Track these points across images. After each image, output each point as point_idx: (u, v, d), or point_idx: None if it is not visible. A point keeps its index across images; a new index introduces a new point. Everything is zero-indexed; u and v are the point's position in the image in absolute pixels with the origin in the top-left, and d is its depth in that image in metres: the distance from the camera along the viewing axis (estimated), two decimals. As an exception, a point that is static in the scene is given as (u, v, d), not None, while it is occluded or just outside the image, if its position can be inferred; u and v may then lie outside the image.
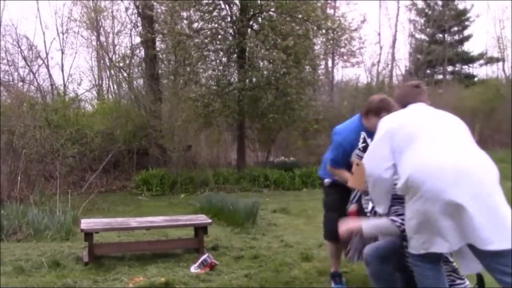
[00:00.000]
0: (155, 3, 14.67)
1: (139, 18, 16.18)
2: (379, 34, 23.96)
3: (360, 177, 3.49)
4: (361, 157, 3.47)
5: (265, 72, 14.16)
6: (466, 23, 26.28)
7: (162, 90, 15.07)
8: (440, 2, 25.16)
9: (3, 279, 4.62)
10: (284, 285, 4.52)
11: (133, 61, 16.36)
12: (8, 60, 16.26)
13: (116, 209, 9.77)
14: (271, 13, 14.19)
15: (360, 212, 3.73)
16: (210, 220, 5.96)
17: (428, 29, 25.84)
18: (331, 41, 15.32)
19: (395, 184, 3.10)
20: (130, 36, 17.64)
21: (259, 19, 14.46)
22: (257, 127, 15.61)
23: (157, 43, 15.56)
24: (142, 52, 16.09)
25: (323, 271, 4.83)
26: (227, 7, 14.28)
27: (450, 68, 27.06)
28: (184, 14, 14.62)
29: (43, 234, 6.58)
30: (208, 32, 14.27)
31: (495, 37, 25.06)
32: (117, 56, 17.58)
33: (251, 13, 13.99)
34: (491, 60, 26.16)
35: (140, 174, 12.91)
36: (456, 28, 26.39)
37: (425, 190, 2.80)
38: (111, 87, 19.55)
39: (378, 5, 31.37)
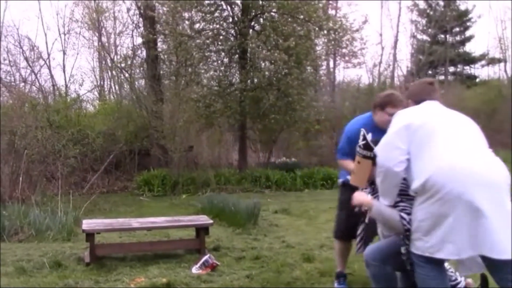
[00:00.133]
0: (156, 4, 14.68)
1: (140, 19, 16.21)
2: (380, 34, 23.96)
3: (362, 175, 3.48)
4: (362, 155, 3.47)
5: (266, 73, 14.16)
6: (468, 23, 26.28)
7: (163, 91, 15.08)
8: (441, 3, 25.15)
9: (5, 280, 4.63)
10: (286, 286, 4.52)
11: (134, 61, 16.38)
12: (10, 61, 16.28)
13: (117, 210, 9.77)
14: (272, 13, 14.19)
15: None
16: (211, 221, 5.96)
17: (429, 30, 25.84)
18: (333, 42, 15.31)
19: (404, 179, 3.11)
20: (132, 36, 17.67)
21: (261, 19, 14.46)
22: (258, 128, 15.61)
23: (159, 44, 15.58)
24: (144, 53, 16.10)
25: (325, 272, 4.83)
26: (229, 8, 14.29)
27: (451, 69, 27.05)
28: (186, 14, 14.64)
29: (44, 235, 6.58)
30: (210, 33, 14.27)
31: (497, 38, 25.03)
32: (118, 57, 17.59)
33: (253, 13, 13.99)
34: (492, 61, 26.13)
35: (142, 175, 12.92)
36: (457, 29, 26.39)
37: (445, 192, 2.81)
38: (113, 87, 19.59)
39: (380, 6, 31.29)
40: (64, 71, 18.25)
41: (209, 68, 14.82)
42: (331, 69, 21.68)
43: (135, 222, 5.99)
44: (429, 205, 2.89)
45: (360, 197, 3.42)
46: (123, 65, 16.22)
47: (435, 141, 2.97)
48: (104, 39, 18.86)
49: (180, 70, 14.47)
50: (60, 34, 18.68)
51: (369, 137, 3.45)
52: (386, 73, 22.89)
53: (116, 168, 14.16)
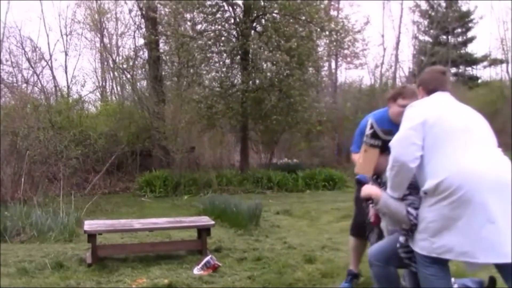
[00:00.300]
0: (158, 5, 14.69)
1: (142, 20, 16.23)
2: (382, 35, 23.96)
3: (368, 163, 3.46)
4: (369, 144, 3.45)
5: (268, 74, 14.15)
6: (470, 24, 26.24)
7: (165, 92, 15.10)
8: (443, 4, 25.13)
9: (7, 280, 4.63)
10: (287, 287, 4.52)
11: (136, 62, 16.39)
12: (12, 62, 16.31)
13: (119, 211, 9.78)
14: (274, 15, 14.19)
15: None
16: (213, 222, 5.97)
17: (431, 31, 25.81)
18: (335, 43, 15.30)
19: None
20: (134, 37, 17.68)
21: (263, 21, 14.46)
22: (260, 129, 15.60)
23: (161, 45, 15.60)
24: (146, 54, 16.10)
25: (326, 273, 4.83)
26: (231, 9, 14.29)
27: (453, 70, 27.00)
28: (188, 16, 14.66)
29: (46, 236, 6.59)
30: (212, 34, 14.28)
31: (499, 39, 24.98)
32: (120, 58, 17.59)
33: (255, 15, 13.99)
34: (494, 62, 26.08)
35: (144, 176, 12.93)
36: (459, 30, 26.35)
37: (459, 196, 2.82)
38: (115, 88, 19.60)
39: (382, 7, 31.31)
40: (66, 72, 18.27)
41: (211, 69, 14.83)
42: (333, 70, 21.68)
43: (136, 223, 5.99)
44: (441, 207, 2.89)
45: (369, 189, 3.42)
46: (125, 66, 16.23)
47: (450, 141, 2.96)
48: (106, 40, 18.89)
49: (182, 71, 14.49)
50: (62, 35, 18.71)
51: (376, 126, 3.45)
52: (388, 74, 22.88)
53: (118, 169, 14.17)
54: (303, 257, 5.50)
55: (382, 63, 22.77)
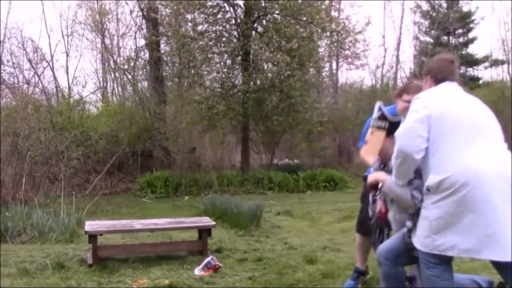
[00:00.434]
0: (159, 6, 14.71)
1: (143, 21, 16.26)
2: (383, 36, 24.02)
3: (374, 146, 3.46)
4: (376, 126, 3.45)
5: (269, 75, 14.17)
6: (471, 25, 26.19)
7: (166, 92, 15.12)
8: (444, 4, 25.12)
9: (8, 281, 4.64)
10: (288, 288, 4.52)
11: (137, 63, 16.42)
12: (13, 63, 16.35)
13: (120, 211, 9.79)
14: (275, 15, 14.20)
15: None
16: (214, 223, 5.97)
17: (432, 31, 25.78)
18: (336, 44, 15.30)
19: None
20: (135, 38, 17.74)
21: (264, 21, 14.47)
22: (261, 130, 15.60)
23: (162, 46, 15.62)
24: (147, 55, 16.14)
25: (327, 273, 4.83)
26: (232, 10, 14.31)
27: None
28: (189, 16, 14.67)
29: (47, 236, 6.59)
30: (213, 35, 14.29)
31: (500, 40, 24.96)
32: (121, 59, 17.63)
33: (256, 15, 14.00)
34: (496, 63, 26.03)
35: (144, 176, 12.93)
36: (460, 31, 26.31)
37: (464, 194, 2.82)
38: (116, 89, 19.62)
39: (383, 7, 31.35)
40: (67, 73, 18.31)
41: (211, 70, 14.84)
42: (334, 71, 21.69)
43: (137, 224, 6.00)
44: (445, 204, 2.89)
45: (376, 174, 3.45)
46: (126, 66, 16.25)
47: (456, 135, 2.95)
48: (107, 41, 18.91)
49: (183, 72, 14.51)
50: (63, 36, 18.75)
51: (383, 108, 3.44)
52: (389, 75, 22.90)
53: (119, 170, 14.18)
54: (304, 257, 5.50)
55: (383, 64, 22.81)
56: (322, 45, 16.35)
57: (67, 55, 18.53)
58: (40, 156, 10.57)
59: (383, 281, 3.40)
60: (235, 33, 14.40)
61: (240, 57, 14.26)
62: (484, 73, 28.27)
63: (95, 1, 18.01)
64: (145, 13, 15.45)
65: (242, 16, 14.01)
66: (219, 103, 14.00)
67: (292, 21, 13.85)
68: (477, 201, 2.82)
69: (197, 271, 4.91)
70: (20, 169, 9.93)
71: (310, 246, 6.18)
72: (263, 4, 13.88)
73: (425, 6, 25.62)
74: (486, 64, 27.07)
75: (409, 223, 3.19)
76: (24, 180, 9.69)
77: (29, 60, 16.65)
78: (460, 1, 24.87)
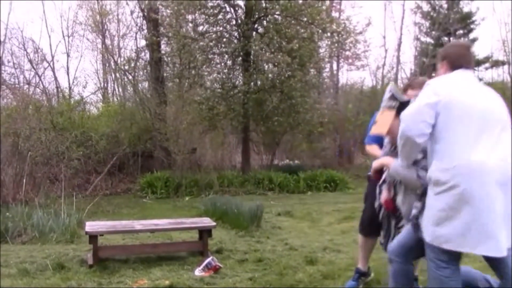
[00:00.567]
0: (160, 6, 14.71)
1: (144, 21, 16.27)
2: (384, 37, 24.08)
3: (384, 124, 3.46)
4: (387, 106, 3.47)
5: (270, 75, 14.16)
6: (472, 26, 26.19)
7: (167, 93, 15.12)
8: (445, 5, 25.11)
9: (8, 281, 4.64)
10: (288, 289, 4.52)
11: (138, 64, 16.42)
12: (14, 63, 16.37)
13: (120, 212, 9.79)
14: (276, 16, 14.20)
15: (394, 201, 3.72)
16: (214, 223, 5.97)
17: (433, 32, 25.77)
18: (336, 44, 15.29)
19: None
20: (135, 39, 17.75)
21: (264, 22, 14.47)
22: (261, 130, 15.60)
23: (162, 46, 15.63)
24: (147, 55, 16.15)
25: (328, 274, 4.83)
26: (232, 10, 14.30)
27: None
28: (189, 17, 14.68)
29: (48, 237, 6.59)
30: (213, 35, 14.29)
31: (500, 40, 24.96)
32: (122, 59, 17.64)
33: (256, 16, 14.01)
34: (496, 63, 26.02)
35: (145, 177, 12.93)
36: (461, 31, 26.31)
37: (464, 188, 2.84)
38: (116, 90, 19.61)
39: (383, 8, 31.35)
40: (67, 73, 18.33)
41: (212, 71, 14.84)
42: (335, 72, 21.69)
43: (138, 224, 6.00)
44: (446, 197, 2.90)
45: (381, 159, 3.48)
46: (126, 67, 16.26)
47: (463, 126, 2.93)
48: (107, 41, 18.93)
49: (184, 72, 14.51)
50: (64, 37, 18.77)
51: (395, 89, 3.46)
52: (389, 76, 22.87)
53: (120, 170, 14.17)
54: (304, 258, 5.50)
55: (384, 65, 22.80)
56: (322, 45, 16.36)
57: (68, 56, 18.58)
58: (40, 156, 10.58)
59: (392, 279, 3.39)
60: (236, 33, 14.40)
61: (240, 58, 14.26)
62: (485, 74, 28.24)
63: (96, 2, 18.03)
64: (145, 13, 15.45)
65: (242, 17, 14.01)
66: (220, 104, 14.00)
67: (292, 21, 13.85)
68: (477, 196, 2.82)
69: (198, 272, 4.91)
70: (20, 170, 9.93)
71: (311, 247, 6.18)
72: (264, 5, 13.88)
73: (426, 7, 25.63)
74: (487, 65, 27.07)
75: (417, 204, 3.20)
76: (24, 180, 9.69)
77: (30, 61, 16.67)
78: (461, 2, 24.85)
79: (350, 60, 20.24)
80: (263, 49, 13.36)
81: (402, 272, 3.33)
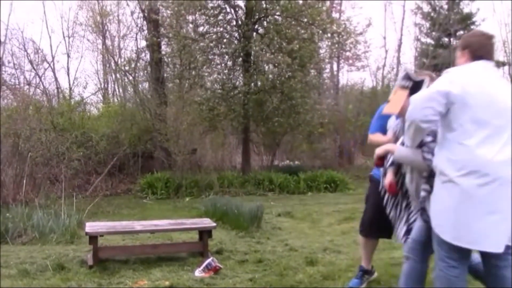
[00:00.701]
0: (160, 7, 14.72)
1: (144, 22, 16.26)
2: (384, 37, 23.95)
3: (396, 103, 3.45)
4: (401, 85, 3.46)
5: (270, 76, 14.16)
6: (472, 27, 26.18)
7: (167, 94, 15.11)
8: (445, 6, 25.11)
9: (8, 282, 4.64)
10: (289, 289, 4.52)
11: (138, 64, 16.41)
12: (14, 64, 16.34)
13: (121, 212, 9.78)
14: (276, 17, 14.21)
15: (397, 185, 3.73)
16: (214, 224, 5.96)
17: (433, 33, 25.78)
18: (336, 45, 15.29)
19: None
20: (136, 39, 17.72)
21: (264, 23, 14.47)
22: (262, 131, 15.60)
23: (163, 47, 15.62)
24: (148, 56, 16.14)
25: (328, 275, 4.82)
26: (233, 11, 14.30)
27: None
28: (190, 18, 14.69)
29: (48, 237, 6.59)
30: (214, 36, 14.29)
31: (501, 41, 24.96)
32: (122, 60, 17.63)
33: (256, 17, 14.01)
34: (497, 64, 25.98)
35: (145, 178, 12.92)
36: (461, 32, 26.30)
37: (469, 182, 2.85)
38: (117, 90, 19.60)
39: (384, 9, 31.35)
40: (68, 74, 18.32)
41: (212, 71, 14.83)
42: (335, 72, 21.70)
43: (138, 225, 6.00)
44: (449, 188, 2.91)
45: (385, 146, 3.49)
46: (127, 68, 16.26)
47: (477, 120, 2.90)
48: (108, 42, 18.90)
49: (184, 73, 14.51)
50: (64, 37, 18.76)
51: (409, 70, 3.46)
52: (389, 76, 22.84)
53: (120, 171, 14.16)
54: (305, 259, 5.49)
55: (384, 65, 22.80)
56: (323, 46, 16.37)
57: (68, 56, 18.57)
58: (41, 157, 10.57)
59: (404, 277, 3.39)
60: (236, 34, 14.40)
61: (241, 59, 14.25)
62: (485, 75, 28.27)
63: (96, 3, 18.03)
64: (146, 14, 15.45)
65: (243, 18, 14.01)
66: (220, 105, 14.00)
67: (293, 22, 13.85)
68: (478, 193, 2.83)
69: (198, 273, 4.91)
70: (20, 170, 9.93)
71: (311, 248, 6.18)
72: (264, 6, 13.88)
73: (426, 8, 25.64)
74: (487, 65, 26.99)
75: (425, 186, 3.20)
76: (24, 181, 9.69)
77: (30, 61, 16.66)
78: (461, 3, 24.86)
79: (350, 61, 20.27)
80: (264, 50, 13.36)
81: (415, 272, 3.33)
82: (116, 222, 6.65)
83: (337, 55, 18.74)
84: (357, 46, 16.42)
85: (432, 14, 25.93)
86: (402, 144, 3.52)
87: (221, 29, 14.45)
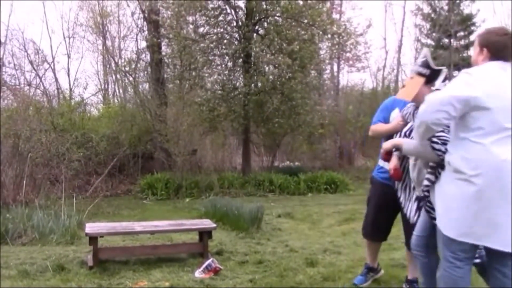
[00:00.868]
0: (161, 8, 14.72)
1: (145, 23, 16.27)
2: (384, 38, 24.02)
3: (411, 89, 3.41)
4: (417, 72, 3.42)
5: (270, 77, 14.17)
6: (472, 28, 26.20)
7: (167, 95, 15.11)
8: (446, 7, 25.12)
9: (8, 283, 4.63)
10: (289, 291, 4.51)
11: (138, 65, 16.43)
12: (14, 64, 16.36)
13: (121, 213, 9.78)
14: (276, 18, 14.22)
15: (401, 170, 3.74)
16: (214, 225, 5.95)
17: (434, 34, 25.79)
18: (337, 46, 15.30)
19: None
20: (136, 40, 17.74)
21: (265, 24, 14.48)
22: (262, 132, 15.61)
23: (163, 48, 15.63)
24: (148, 57, 16.15)
25: (328, 276, 4.82)
26: (233, 12, 14.31)
27: (456, 73, 26.93)
28: (190, 18, 14.69)
29: (48, 238, 6.59)
30: (214, 37, 14.30)
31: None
32: (123, 61, 17.66)
33: (257, 18, 14.01)
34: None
35: (145, 178, 12.92)
36: (462, 33, 26.33)
37: (482, 182, 2.84)
38: (117, 91, 19.65)
39: (384, 10, 31.31)
40: (68, 75, 18.36)
41: (213, 72, 14.83)
42: (335, 73, 21.69)
43: (138, 226, 5.99)
44: (462, 186, 2.90)
45: (392, 141, 3.51)
46: (127, 68, 16.27)
47: (495, 125, 2.86)
48: (108, 42, 18.94)
49: (184, 74, 14.51)
50: (64, 38, 18.80)
51: (429, 56, 3.42)
52: (390, 77, 22.89)
53: (120, 172, 14.17)
54: (305, 260, 5.49)
55: (384, 66, 22.81)
56: (323, 47, 16.38)
57: (69, 57, 18.60)
58: (41, 157, 10.57)
59: (421, 274, 3.45)
60: (236, 35, 14.41)
61: (241, 59, 14.26)
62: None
63: (97, 3, 18.05)
64: (146, 15, 15.46)
65: (243, 18, 14.01)
66: (220, 105, 14.00)
67: (293, 23, 13.86)
68: (492, 193, 2.82)
69: (198, 274, 4.90)
70: (21, 171, 9.92)
71: (311, 249, 6.17)
72: (264, 7, 13.90)
73: (426, 9, 25.64)
74: (488, 66, 26.99)
75: (430, 176, 3.20)
76: (24, 181, 9.68)
77: (31, 62, 16.67)
78: (461, 4, 24.87)
79: (350, 62, 20.27)
80: (264, 51, 13.36)
81: (426, 267, 3.36)
82: (116, 223, 6.65)
83: (338, 56, 18.73)
84: (358, 47, 16.47)
85: (432, 15, 25.93)
86: (410, 131, 3.51)
87: (222, 30, 14.46)
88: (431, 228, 3.22)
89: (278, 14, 14.03)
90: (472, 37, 26.71)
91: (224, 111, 14.02)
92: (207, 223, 6.00)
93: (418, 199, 3.63)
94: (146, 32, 16.06)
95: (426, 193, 3.23)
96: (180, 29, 13.88)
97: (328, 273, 4.92)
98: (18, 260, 5.46)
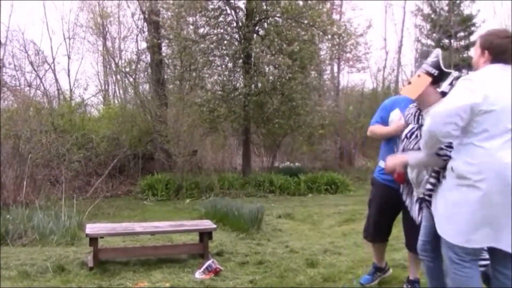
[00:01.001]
0: (161, 9, 14.73)
1: (145, 24, 16.27)
2: (385, 39, 23.95)
3: (417, 88, 3.36)
4: (426, 70, 3.38)
5: (270, 78, 14.17)
6: (472, 28, 26.20)
7: (167, 95, 15.12)
8: (446, 8, 25.12)
9: (8, 284, 4.63)
10: (289, 291, 4.51)
11: (139, 66, 16.44)
12: (15, 65, 16.35)
13: (121, 214, 9.77)
14: (276, 18, 14.21)
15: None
16: (215, 225, 5.95)
17: (434, 34, 25.79)
18: (337, 47, 15.30)
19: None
20: (136, 41, 17.74)
21: (265, 24, 14.48)
22: (262, 132, 15.61)
23: (163, 48, 15.64)
24: (148, 57, 16.16)
25: (328, 277, 4.82)
26: (233, 13, 14.32)
27: (456, 74, 26.89)
28: (190, 19, 14.68)
29: (48, 239, 6.59)
30: (214, 38, 14.30)
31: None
32: (123, 61, 17.66)
33: (257, 18, 14.02)
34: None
35: (146, 179, 12.92)
36: (462, 34, 26.33)
37: (486, 186, 2.84)
38: (117, 92, 19.63)
39: (384, 11, 31.38)
40: (68, 76, 18.35)
41: (213, 73, 14.83)
42: (335, 74, 21.69)
43: (138, 227, 6.00)
44: (466, 192, 2.89)
45: (393, 161, 3.48)
46: (127, 69, 16.28)
47: (499, 129, 2.87)
48: (108, 43, 18.92)
49: (184, 75, 14.51)
50: (65, 39, 18.79)
51: (441, 57, 3.40)
52: (390, 78, 22.87)
53: (120, 172, 14.17)
54: (305, 261, 5.48)
55: (385, 67, 22.79)
56: (323, 48, 16.39)
57: (69, 58, 18.59)
58: (41, 158, 10.57)
59: (427, 277, 3.44)
60: (237, 36, 14.41)
61: (241, 60, 14.27)
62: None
63: (97, 4, 18.05)
64: (146, 15, 15.47)
65: (243, 19, 14.02)
66: (220, 106, 14.00)
67: (293, 24, 13.86)
68: (496, 197, 2.83)
69: (198, 274, 4.90)
70: (21, 172, 9.92)
71: (311, 250, 6.17)
72: (265, 7, 13.90)
73: (427, 9, 25.65)
74: (488, 66, 26.97)
75: (432, 180, 3.19)
76: (25, 182, 9.67)
77: (31, 63, 16.66)
78: (462, 4, 24.87)
79: (350, 62, 20.26)
80: (264, 51, 13.36)
81: (432, 271, 3.36)
82: (116, 223, 6.65)
83: (338, 57, 18.72)
84: (358, 47, 16.48)
85: (432, 15, 25.94)
86: (411, 134, 3.49)
87: (222, 30, 14.47)
88: (435, 231, 3.20)
89: (278, 15, 14.03)
90: (472, 38, 26.71)
91: (224, 112, 14.03)
92: (207, 224, 6.00)
93: (419, 200, 3.62)
94: (146, 33, 16.07)
95: (427, 197, 3.23)
96: (180, 30, 13.88)
97: (329, 273, 4.92)
98: (18, 261, 5.46)
